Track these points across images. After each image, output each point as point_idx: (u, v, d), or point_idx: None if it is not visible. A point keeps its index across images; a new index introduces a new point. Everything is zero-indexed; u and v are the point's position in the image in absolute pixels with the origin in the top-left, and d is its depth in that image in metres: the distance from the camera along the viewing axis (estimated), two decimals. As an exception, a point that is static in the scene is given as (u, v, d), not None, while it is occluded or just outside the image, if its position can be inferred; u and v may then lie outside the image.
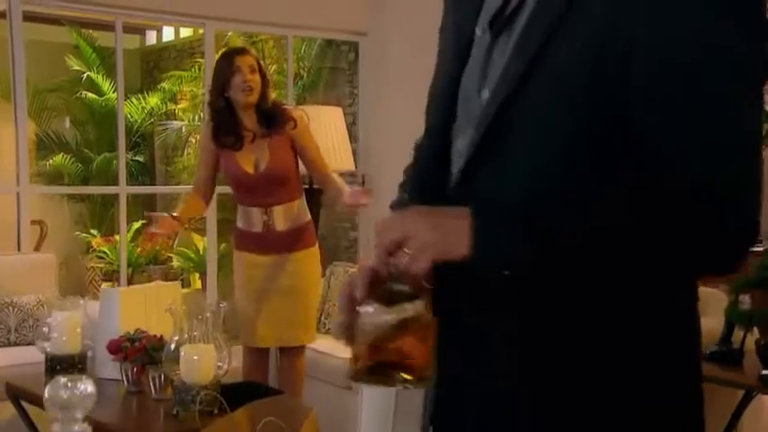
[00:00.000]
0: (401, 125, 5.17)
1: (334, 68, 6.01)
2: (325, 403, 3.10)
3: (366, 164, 5.20)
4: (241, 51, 3.01)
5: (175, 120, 7.58)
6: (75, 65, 7.56)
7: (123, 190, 4.66)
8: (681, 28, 0.78)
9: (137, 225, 7.09)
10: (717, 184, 0.77)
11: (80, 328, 2.21)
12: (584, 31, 0.81)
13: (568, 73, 0.81)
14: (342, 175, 3.47)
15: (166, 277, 6.47)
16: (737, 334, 2.05)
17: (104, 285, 7.14)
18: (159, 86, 7.66)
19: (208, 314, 1.89)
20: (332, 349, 3.21)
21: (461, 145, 0.93)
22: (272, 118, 2.92)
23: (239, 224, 3.03)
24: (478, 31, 0.94)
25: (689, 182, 0.78)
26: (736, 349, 2.07)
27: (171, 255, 6.56)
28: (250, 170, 2.91)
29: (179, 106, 7.46)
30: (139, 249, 6.61)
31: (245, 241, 3.00)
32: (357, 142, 5.32)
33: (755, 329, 1.98)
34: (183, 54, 7.88)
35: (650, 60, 0.78)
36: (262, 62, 3.01)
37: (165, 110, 7.63)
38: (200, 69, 6.36)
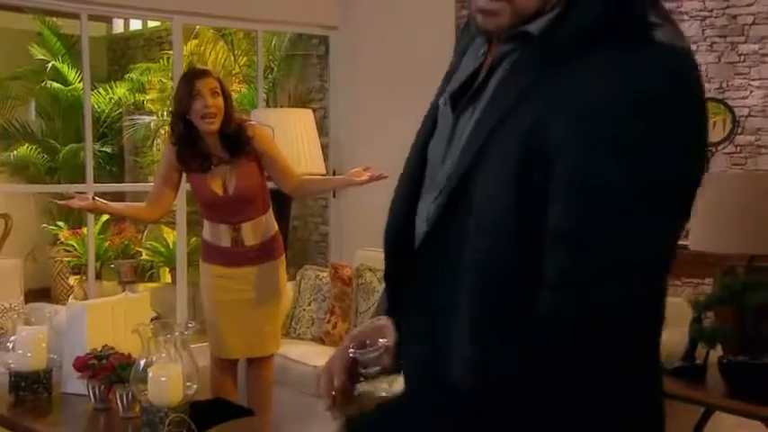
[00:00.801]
0: (372, 119, 5.21)
1: (305, 62, 5.96)
2: (293, 410, 3.11)
3: (337, 158, 5.18)
4: (201, 74, 2.92)
5: (144, 110, 7.47)
6: (39, 53, 7.39)
7: (91, 187, 4.60)
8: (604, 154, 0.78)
9: (105, 216, 6.99)
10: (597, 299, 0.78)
11: (45, 343, 2.17)
12: (516, 134, 0.84)
13: (502, 165, 0.85)
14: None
15: (135, 271, 6.40)
16: (701, 350, 2.08)
17: (72, 279, 7.06)
18: (127, 77, 7.52)
19: (176, 333, 1.88)
20: (301, 356, 3.21)
21: (426, 207, 0.96)
22: (237, 142, 2.86)
23: (206, 237, 2.99)
24: (441, 103, 0.99)
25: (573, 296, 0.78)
26: (699, 365, 2.09)
27: (140, 249, 6.48)
28: (219, 192, 2.88)
29: (147, 97, 7.35)
30: (108, 243, 6.52)
31: (212, 254, 2.97)
32: (328, 136, 5.31)
33: (719, 346, 2.02)
34: (151, 43, 7.76)
35: (570, 180, 0.80)
36: (224, 83, 2.95)
37: (133, 100, 7.51)
38: (168, 61, 6.25)
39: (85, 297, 5.85)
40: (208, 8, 4.61)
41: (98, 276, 6.22)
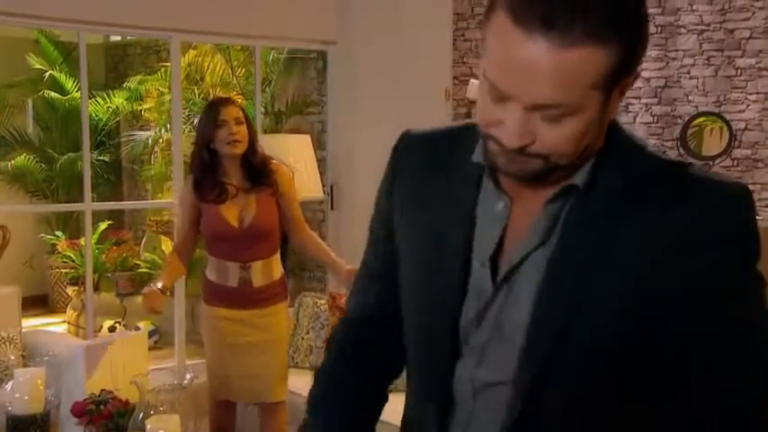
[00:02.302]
0: (370, 133, 5.20)
1: (303, 75, 5.97)
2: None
3: (334, 171, 5.19)
4: (226, 102, 2.90)
5: (142, 121, 7.46)
6: (36, 63, 7.38)
7: (89, 206, 4.58)
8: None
9: (103, 226, 6.99)
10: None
11: (43, 385, 2.17)
12: (616, 289, 0.89)
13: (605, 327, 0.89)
14: (311, 203, 3.44)
15: (133, 284, 6.39)
16: None
17: (70, 290, 7.06)
18: (125, 86, 7.51)
19: (175, 381, 1.88)
20: (302, 389, 3.20)
21: (469, 371, 0.96)
22: (259, 171, 2.83)
23: (211, 276, 2.91)
24: (478, 265, 0.96)
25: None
26: None
27: (138, 262, 6.48)
28: (234, 223, 2.80)
29: (145, 106, 7.34)
30: (105, 256, 6.52)
31: (217, 295, 2.89)
32: (326, 150, 5.31)
33: None
34: (149, 51, 7.74)
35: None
36: (247, 112, 2.91)
37: (131, 109, 7.50)
38: (166, 72, 6.24)
39: (83, 308, 5.86)
40: (205, 25, 4.60)
41: (96, 288, 6.23)
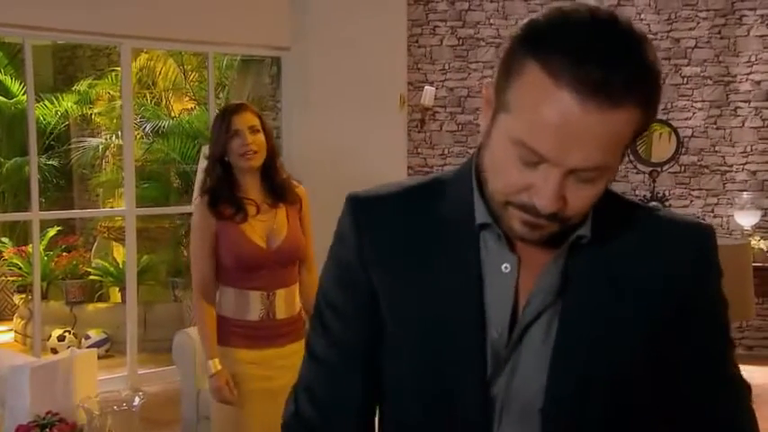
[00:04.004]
0: (324, 137, 5.20)
1: (256, 82, 5.93)
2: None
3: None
4: (238, 108, 2.51)
5: (92, 125, 7.31)
6: (-20, 65, 7.17)
7: (36, 215, 4.48)
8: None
9: (52, 232, 6.82)
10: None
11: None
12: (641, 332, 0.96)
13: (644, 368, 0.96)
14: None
15: (83, 291, 6.25)
16: None
17: (17, 298, 6.87)
18: (74, 89, 7.34)
19: (124, 405, 1.85)
20: None
21: None
22: (283, 186, 2.50)
23: (225, 312, 2.49)
24: (495, 335, 0.93)
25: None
26: None
27: (89, 269, 6.34)
28: (262, 244, 2.44)
29: (95, 110, 7.19)
30: (54, 263, 6.37)
31: (234, 334, 2.47)
32: (281, 156, 5.27)
33: None
34: (99, 53, 7.57)
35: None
36: (263, 118, 2.55)
37: (80, 113, 7.33)
38: (117, 76, 6.13)
39: (31, 316, 5.70)
40: (157, 32, 4.54)
41: (44, 296, 6.07)
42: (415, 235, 0.96)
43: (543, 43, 0.80)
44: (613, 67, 0.78)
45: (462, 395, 0.93)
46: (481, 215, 0.92)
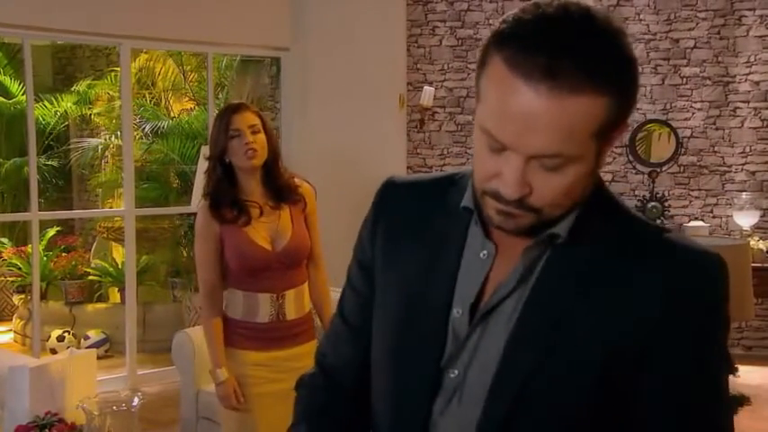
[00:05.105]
0: (324, 139, 5.20)
1: (256, 83, 5.94)
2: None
3: (289, 179, 5.17)
4: (238, 108, 2.47)
5: (92, 125, 7.30)
6: (-21, 66, 7.16)
7: (36, 215, 4.48)
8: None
9: (51, 232, 6.82)
10: None
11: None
12: (590, 338, 0.90)
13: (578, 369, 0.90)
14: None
15: (83, 291, 6.25)
16: None
17: (16, 298, 6.87)
18: (73, 89, 7.34)
19: (124, 405, 1.85)
20: None
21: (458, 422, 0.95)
22: (285, 186, 2.47)
23: (233, 314, 2.47)
24: (456, 314, 0.96)
25: None
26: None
27: (88, 269, 6.34)
28: (267, 246, 2.42)
29: (95, 110, 7.19)
30: (53, 263, 6.36)
31: (242, 336, 2.45)
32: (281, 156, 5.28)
33: None
34: (98, 53, 7.57)
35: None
36: (265, 118, 2.52)
37: (80, 113, 7.33)
38: (116, 76, 6.13)
39: (30, 316, 5.69)
40: (157, 32, 4.54)
41: (44, 296, 6.07)
42: (421, 218, 1.03)
43: (504, 35, 0.83)
44: (561, 53, 0.79)
45: (417, 367, 0.97)
46: (467, 200, 0.97)
